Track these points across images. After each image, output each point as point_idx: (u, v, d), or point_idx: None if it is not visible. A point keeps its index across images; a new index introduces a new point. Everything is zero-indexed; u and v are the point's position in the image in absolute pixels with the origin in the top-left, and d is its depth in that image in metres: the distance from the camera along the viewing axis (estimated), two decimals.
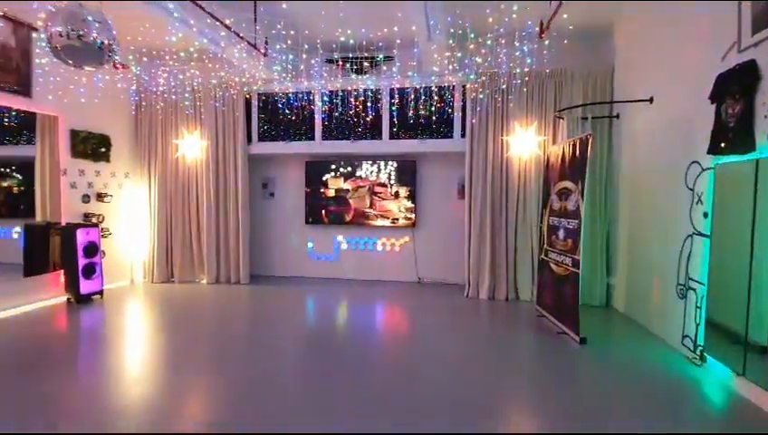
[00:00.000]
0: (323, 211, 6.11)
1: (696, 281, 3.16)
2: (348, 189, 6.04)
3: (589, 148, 3.61)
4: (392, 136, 5.70)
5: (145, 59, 5.40)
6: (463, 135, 5.41)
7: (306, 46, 4.47)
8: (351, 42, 4.52)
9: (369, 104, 5.37)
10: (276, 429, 2.30)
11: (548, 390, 2.84)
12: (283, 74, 5.23)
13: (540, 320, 4.33)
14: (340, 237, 6.23)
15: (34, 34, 4.41)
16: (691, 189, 3.26)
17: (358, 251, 6.21)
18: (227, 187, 5.85)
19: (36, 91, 4.53)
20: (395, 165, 5.89)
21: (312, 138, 5.88)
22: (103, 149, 5.37)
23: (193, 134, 5.77)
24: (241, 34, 4.03)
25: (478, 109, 5.09)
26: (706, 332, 3.02)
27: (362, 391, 2.77)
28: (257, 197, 6.35)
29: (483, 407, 2.57)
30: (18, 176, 4.89)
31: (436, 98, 5.35)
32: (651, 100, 3.95)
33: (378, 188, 5.97)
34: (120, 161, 5.69)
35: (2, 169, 4.88)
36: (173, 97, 5.71)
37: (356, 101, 5.47)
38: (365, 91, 5.40)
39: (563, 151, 4.14)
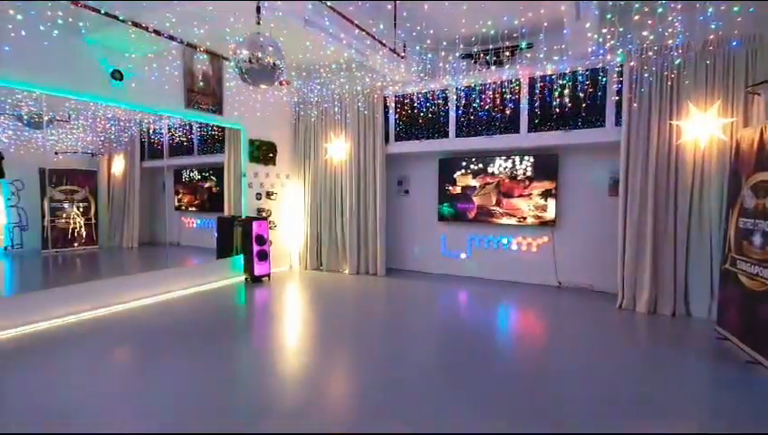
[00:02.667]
0: (450, 208, 6.13)
1: None
2: (475, 187, 5.93)
3: None
4: (531, 129, 5.36)
5: (304, 74, 6.20)
6: (618, 123, 4.76)
7: (445, 43, 4.52)
8: (492, 32, 4.40)
9: (508, 96, 5.15)
10: (411, 412, 2.42)
11: None
12: (421, 74, 5.39)
13: (721, 343, 3.55)
14: (472, 235, 6.15)
15: (225, 63, 5.47)
16: None
17: (491, 250, 6.03)
18: (367, 185, 6.31)
19: (226, 109, 5.63)
20: (532, 160, 5.53)
21: (447, 135, 5.92)
22: (271, 155, 6.37)
23: (339, 138, 6.40)
24: (383, 41, 4.30)
25: (643, 90, 4.40)
26: None
27: (491, 397, 2.70)
28: (393, 194, 6.70)
29: None
30: (214, 178, 6.19)
31: (586, 83, 4.83)
32: None
33: (507, 185, 5.71)
34: (283, 164, 6.65)
35: (204, 174, 6.24)
36: (324, 106, 6.43)
37: (493, 94, 5.31)
38: (503, 83, 5.19)
39: (761, 135, 3.31)
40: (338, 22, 4.09)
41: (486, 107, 5.43)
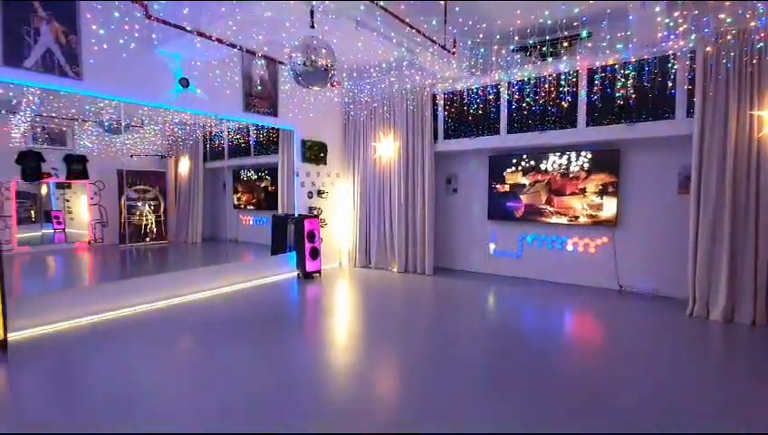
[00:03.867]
0: (496, 207, 6.01)
1: None
2: (524, 184, 5.75)
3: None
4: (590, 123, 5.08)
5: (354, 74, 6.31)
6: (689, 114, 4.40)
7: (498, 36, 4.39)
8: (549, 23, 4.22)
9: (565, 89, 4.92)
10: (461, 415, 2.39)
11: None
12: (472, 69, 5.30)
13: None
14: (524, 235, 5.95)
15: (280, 66, 5.70)
16: None
17: (545, 250, 5.80)
18: (415, 184, 6.30)
19: (281, 111, 5.86)
20: (589, 156, 5.24)
21: (497, 132, 5.77)
22: (322, 154, 6.54)
23: (388, 136, 6.44)
24: (434, 38, 4.27)
25: (720, 76, 4.02)
26: None
27: (540, 403, 2.60)
28: (441, 193, 6.64)
29: None
30: (269, 178, 6.47)
31: (654, 71, 4.48)
32: None
33: (559, 183, 5.48)
34: (333, 163, 6.82)
35: (260, 173, 6.55)
36: (373, 105, 6.50)
37: (549, 87, 5.09)
38: (559, 75, 4.97)
39: None
40: (389, 21, 4.13)
41: (541, 101, 5.22)
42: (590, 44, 4.65)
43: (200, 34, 4.14)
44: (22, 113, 4.59)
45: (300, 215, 6.11)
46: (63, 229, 5.36)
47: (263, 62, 5.45)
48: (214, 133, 6.30)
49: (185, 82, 4.71)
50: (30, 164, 4.79)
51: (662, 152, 4.91)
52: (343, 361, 3.19)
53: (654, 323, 4.09)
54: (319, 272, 6.07)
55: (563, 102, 5.02)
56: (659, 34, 4.06)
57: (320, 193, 6.55)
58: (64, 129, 5.05)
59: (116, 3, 3.66)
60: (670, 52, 4.40)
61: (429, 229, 6.22)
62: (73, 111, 4.87)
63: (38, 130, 4.86)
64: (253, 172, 6.70)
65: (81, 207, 5.44)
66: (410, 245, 6.43)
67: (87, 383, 2.81)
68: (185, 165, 6.43)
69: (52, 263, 5.30)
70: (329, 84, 4.53)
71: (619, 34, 4.29)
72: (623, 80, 4.61)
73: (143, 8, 3.69)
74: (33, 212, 5.19)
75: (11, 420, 2.34)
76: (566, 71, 4.97)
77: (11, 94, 4.12)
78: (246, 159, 6.54)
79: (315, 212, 6.37)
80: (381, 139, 6.49)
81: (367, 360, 3.21)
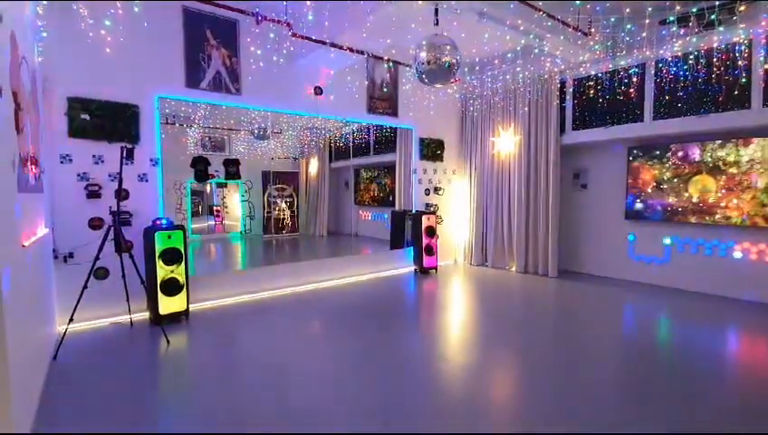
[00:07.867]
0: (635, 204, 5.29)
1: None
2: (666, 178, 5.05)
3: None
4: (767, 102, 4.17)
5: (477, 68, 6.19)
6: None
7: (650, 9, 3.85)
8: None
9: (740, 63, 4.10)
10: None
11: None
12: (613, 50, 4.76)
13: None
14: (672, 236, 5.15)
15: (401, 67, 5.88)
16: None
17: (700, 255, 4.93)
18: (538, 179, 5.93)
19: (401, 111, 6.05)
20: (762, 142, 4.30)
21: (641, 119, 5.09)
22: (439, 151, 6.58)
23: (507, 131, 6.18)
24: (568, 20, 3.96)
25: None
26: None
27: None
28: (568, 189, 6.13)
29: None
30: (387, 175, 6.76)
31: None
32: None
33: (715, 176, 4.68)
34: (450, 160, 6.80)
35: (379, 172, 6.88)
36: (494, 99, 6.29)
37: (714, 61, 4.31)
38: (727, 47, 4.17)
39: None
40: (517, 8, 3.95)
41: (700, 79, 4.44)
42: None
43: (333, 45, 4.50)
44: (195, 126, 5.58)
45: (417, 211, 6.24)
46: (222, 221, 6.37)
47: (389, 64, 5.69)
48: (338, 136, 6.82)
49: (318, 90, 5.18)
50: (200, 167, 5.78)
51: None
52: (461, 359, 3.14)
53: None
54: (435, 268, 6.12)
55: (735, 79, 4.19)
56: None
57: (436, 190, 6.60)
58: (224, 137, 5.99)
59: (271, 25, 4.19)
60: None
61: (553, 228, 5.79)
62: (231, 121, 5.75)
63: (206, 139, 5.85)
64: (372, 170, 7.07)
65: (234, 203, 6.40)
66: (531, 244, 6.08)
67: (244, 344, 3.38)
68: (314, 166, 7.08)
69: (214, 249, 6.35)
70: (451, 81, 4.53)
71: None
72: None
73: (289, 27, 4.16)
74: (200, 207, 6.27)
75: (194, 364, 2.88)
76: (736, 41, 4.14)
77: (190, 111, 5.03)
78: (366, 159, 6.93)
79: (432, 209, 6.44)
80: (501, 133, 6.26)
81: (486, 359, 3.13)
